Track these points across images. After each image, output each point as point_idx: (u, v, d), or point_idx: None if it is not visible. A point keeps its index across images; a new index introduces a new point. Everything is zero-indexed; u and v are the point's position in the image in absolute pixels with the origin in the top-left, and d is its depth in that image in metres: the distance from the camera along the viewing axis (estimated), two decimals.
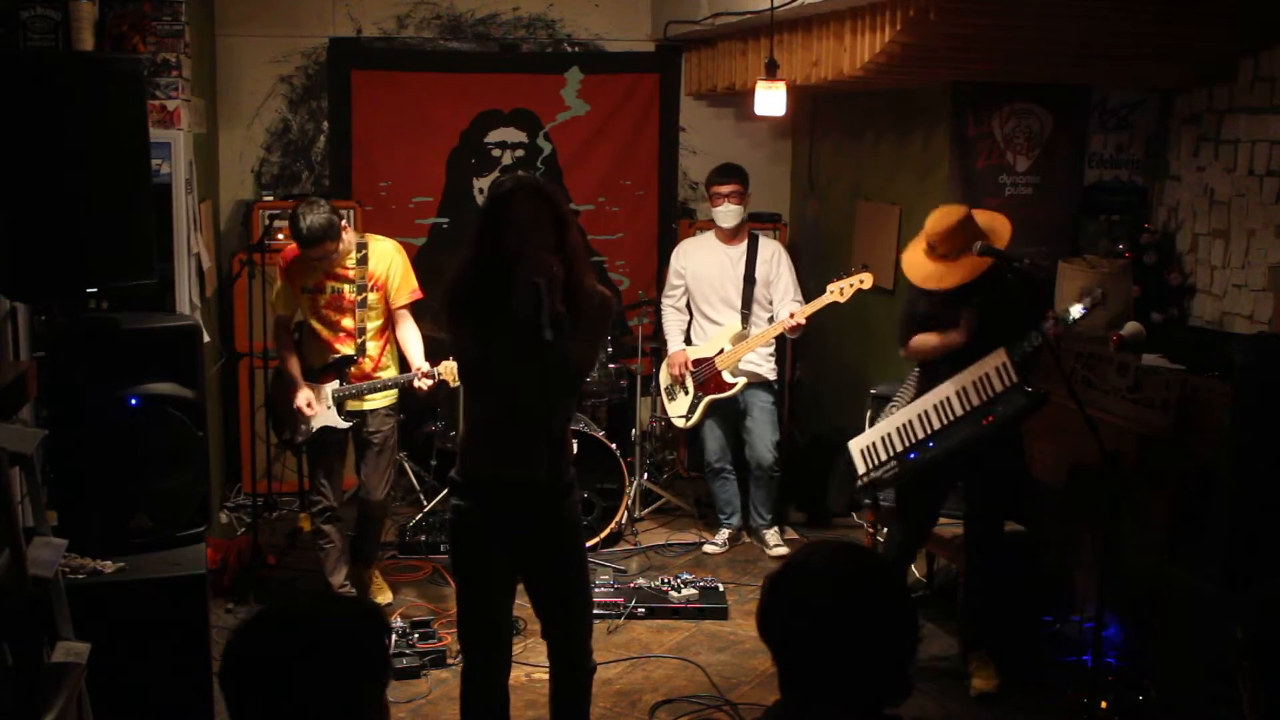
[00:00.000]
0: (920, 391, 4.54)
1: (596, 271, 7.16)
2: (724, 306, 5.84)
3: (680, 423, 5.99)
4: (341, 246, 4.83)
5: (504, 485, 3.34)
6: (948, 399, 4.39)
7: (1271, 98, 4.60)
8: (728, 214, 5.75)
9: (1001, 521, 4.60)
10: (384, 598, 5.25)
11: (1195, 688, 3.93)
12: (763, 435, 5.83)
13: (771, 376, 5.89)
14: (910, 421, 4.48)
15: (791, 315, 5.57)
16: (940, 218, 4.32)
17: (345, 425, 4.97)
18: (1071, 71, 5.14)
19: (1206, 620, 3.81)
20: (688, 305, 5.99)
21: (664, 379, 6.06)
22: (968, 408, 4.33)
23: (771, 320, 5.78)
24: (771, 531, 5.93)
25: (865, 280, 5.45)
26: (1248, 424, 3.65)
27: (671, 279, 6.03)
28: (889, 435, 4.54)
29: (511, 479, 3.33)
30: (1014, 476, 4.57)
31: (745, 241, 5.83)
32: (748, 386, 5.82)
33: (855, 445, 4.67)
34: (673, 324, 6.00)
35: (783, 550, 5.84)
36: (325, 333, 4.96)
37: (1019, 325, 4.26)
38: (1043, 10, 4.29)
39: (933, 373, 4.50)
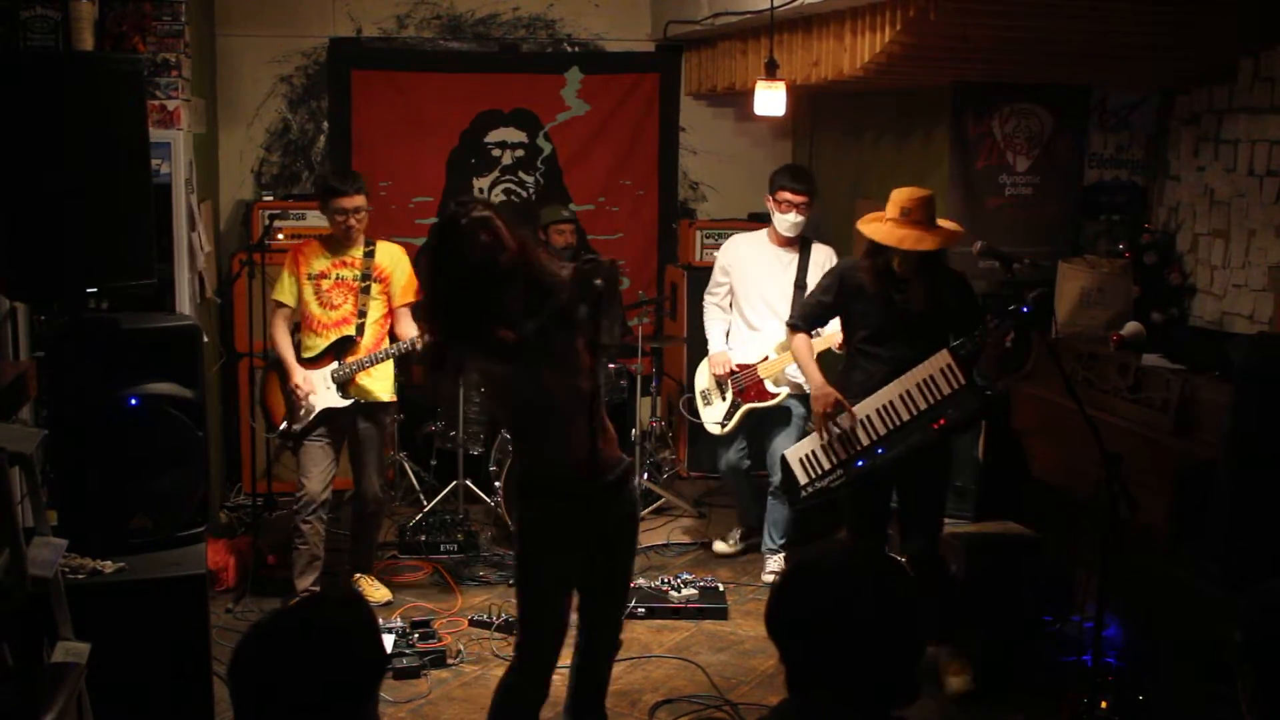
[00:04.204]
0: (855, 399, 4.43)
1: None
2: (767, 311, 5.51)
3: (716, 429, 5.68)
4: (361, 222, 5.04)
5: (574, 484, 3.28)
6: (891, 403, 4.31)
7: (1271, 98, 4.60)
8: (792, 224, 5.40)
9: (941, 518, 4.54)
10: (381, 595, 5.26)
11: (1195, 688, 3.93)
12: (784, 448, 5.46)
13: (807, 389, 5.51)
14: (852, 427, 4.37)
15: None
16: (912, 189, 4.26)
17: (346, 403, 5.04)
18: (1071, 71, 5.14)
19: (1206, 620, 3.81)
20: (730, 306, 5.69)
21: (701, 381, 5.80)
22: (914, 411, 4.27)
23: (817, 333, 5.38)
24: (776, 558, 5.64)
25: None
26: (1248, 424, 3.64)
27: (717, 275, 5.69)
28: (830, 443, 4.43)
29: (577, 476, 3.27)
30: (947, 475, 4.53)
31: (798, 246, 5.51)
32: (791, 397, 5.55)
33: (793, 454, 4.55)
34: (716, 323, 5.69)
35: (771, 571, 5.61)
36: (326, 317, 5.06)
37: (959, 327, 4.25)
38: (1042, 10, 4.29)
39: (863, 380, 4.41)
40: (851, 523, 4.63)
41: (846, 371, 4.54)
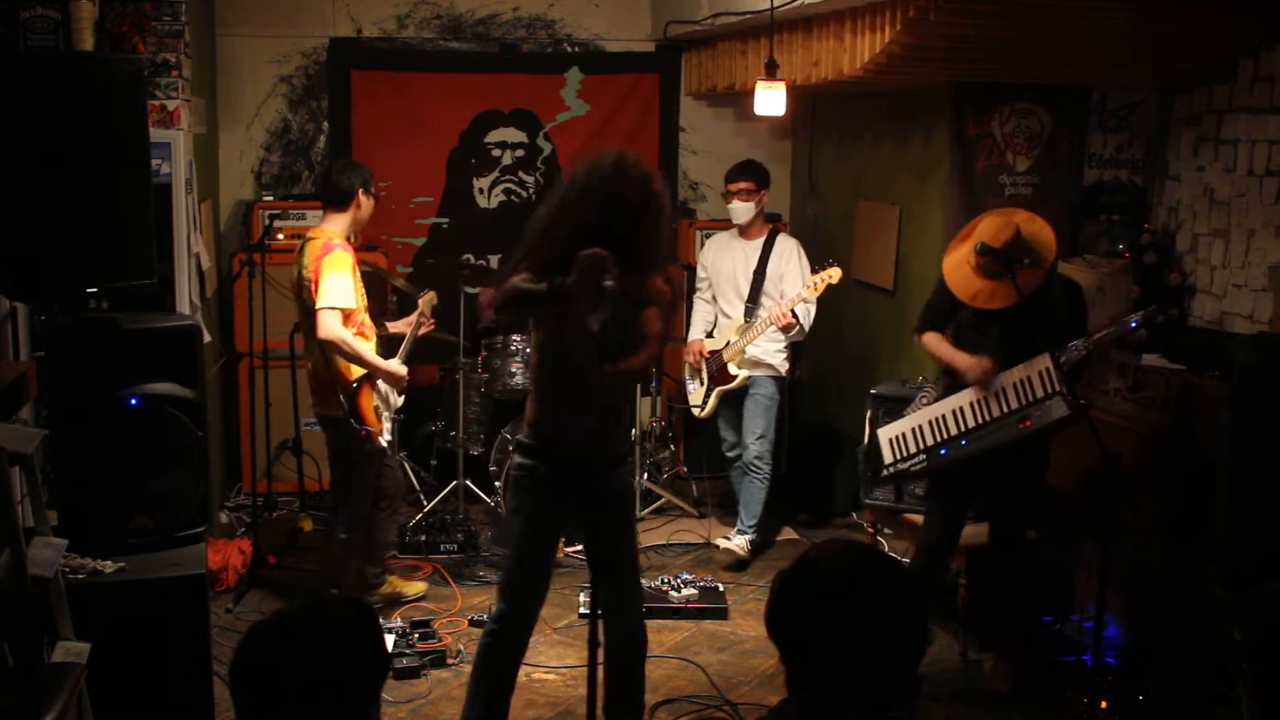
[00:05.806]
0: (949, 389, 4.45)
1: None
2: (736, 300, 5.86)
3: (697, 412, 6.05)
4: None
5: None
6: (985, 398, 4.30)
7: (1271, 98, 4.60)
8: (737, 210, 5.77)
9: (1024, 528, 4.53)
10: (416, 589, 5.28)
11: (1195, 688, 3.93)
12: (750, 426, 5.80)
13: (782, 370, 5.84)
14: (944, 416, 4.39)
15: (788, 310, 5.47)
16: (995, 234, 4.17)
17: (400, 400, 5.00)
18: (1071, 71, 5.14)
19: (1206, 620, 3.81)
20: (713, 299, 6.04)
21: (686, 368, 6.15)
22: (1005, 409, 4.25)
23: None
24: (742, 538, 5.78)
25: (834, 275, 5.44)
26: (1248, 424, 3.65)
27: (699, 272, 6.12)
28: (920, 427, 4.46)
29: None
30: (1037, 484, 4.47)
31: (763, 238, 5.82)
32: (754, 377, 5.79)
33: (884, 433, 4.61)
34: (696, 315, 6.08)
35: (730, 547, 5.74)
36: (370, 321, 4.89)
37: (1059, 332, 4.19)
38: (1042, 10, 4.29)
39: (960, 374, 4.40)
40: (929, 516, 4.61)
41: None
